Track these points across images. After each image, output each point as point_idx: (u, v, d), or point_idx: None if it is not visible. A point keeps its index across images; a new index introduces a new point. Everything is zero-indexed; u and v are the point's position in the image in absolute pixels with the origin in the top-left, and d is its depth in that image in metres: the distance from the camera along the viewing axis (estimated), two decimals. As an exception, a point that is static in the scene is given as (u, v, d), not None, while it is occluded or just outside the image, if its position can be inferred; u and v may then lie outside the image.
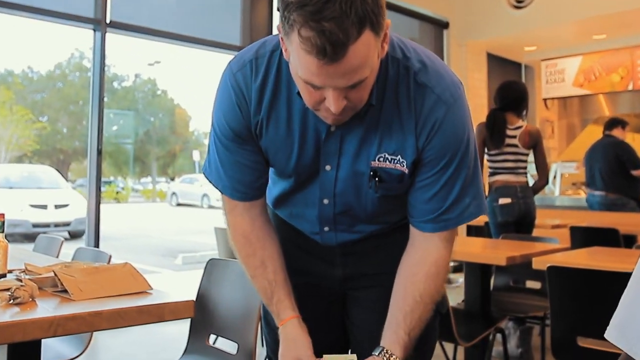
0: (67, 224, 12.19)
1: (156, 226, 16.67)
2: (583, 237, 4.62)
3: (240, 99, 1.37)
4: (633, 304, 0.85)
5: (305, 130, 1.37)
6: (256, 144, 1.42)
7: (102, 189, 5.20)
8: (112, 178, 28.56)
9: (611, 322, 0.87)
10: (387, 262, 1.53)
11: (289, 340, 1.44)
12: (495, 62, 8.99)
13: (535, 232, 4.76)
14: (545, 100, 9.79)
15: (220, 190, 1.50)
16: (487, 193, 4.73)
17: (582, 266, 2.45)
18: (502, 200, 4.56)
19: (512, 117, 4.58)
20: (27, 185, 12.94)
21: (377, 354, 1.37)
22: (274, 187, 1.57)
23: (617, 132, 6.25)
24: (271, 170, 1.53)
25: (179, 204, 23.72)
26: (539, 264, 2.67)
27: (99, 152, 4.99)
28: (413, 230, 1.45)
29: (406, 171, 1.37)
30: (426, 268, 1.41)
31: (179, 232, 14.89)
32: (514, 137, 4.55)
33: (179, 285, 7.03)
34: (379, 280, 1.56)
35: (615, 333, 0.85)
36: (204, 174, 1.54)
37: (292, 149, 1.40)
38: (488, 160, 4.68)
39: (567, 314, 2.39)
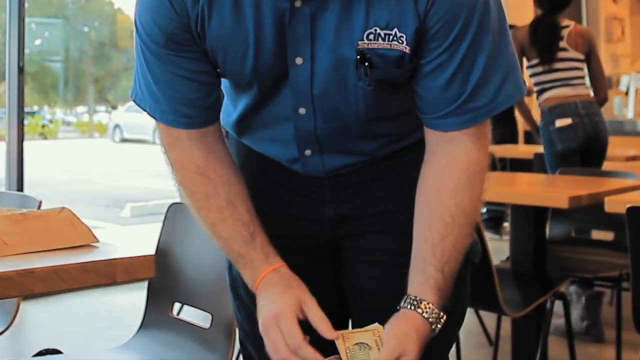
0: None
1: (96, 169, 16.68)
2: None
3: None
4: None
5: (260, 13, 1.32)
6: (199, 47, 1.38)
7: (25, 121, 5.18)
8: (36, 107, 28.42)
9: None
10: (394, 196, 1.52)
11: (285, 280, 1.41)
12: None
13: (605, 166, 4.75)
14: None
15: (157, 119, 1.44)
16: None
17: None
18: (561, 122, 4.60)
19: (560, 17, 4.72)
20: None
21: (401, 305, 1.36)
22: (233, 108, 1.54)
23: None
24: (226, 85, 1.50)
25: (124, 140, 23.71)
26: (614, 205, 2.65)
27: (21, 71, 4.94)
28: (431, 134, 1.42)
29: (407, 50, 1.32)
30: (455, 177, 1.39)
31: (125, 176, 14.92)
32: (562, 38, 4.67)
33: (129, 242, 7.04)
34: (383, 223, 1.54)
35: None
36: (133, 100, 1.48)
37: (247, 43, 1.34)
38: (531, 75, 4.77)
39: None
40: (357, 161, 1.52)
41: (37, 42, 27.85)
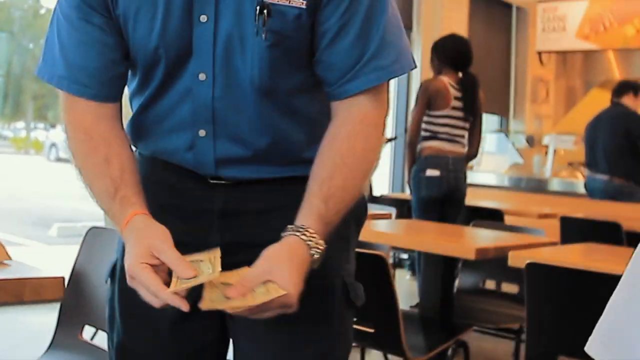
0: None
1: (27, 186, 16.35)
2: (577, 230, 4.66)
3: None
4: (625, 310, 0.86)
5: None
6: (110, 15, 1.41)
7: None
8: (-29, 120, 27.84)
9: (595, 332, 0.89)
10: (282, 230, 1.41)
11: (137, 231, 1.35)
12: (479, 1, 8.98)
13: (519, 221, 4.84)
14: (539, 53, 9.87)
15: (54, 84, 1.46)
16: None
17: (570, 265, 2.49)
18: (430, 172, 4.95)
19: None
20: None
21: (284, 234, 1.33)
22: (133, 108, 1.54)
23: (628, 100, 6.27)
24: (132, 87, 1.52)
25: (59, 159, 23.28)
26: (517, 259, 2.67)
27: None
28: (334, 106, 1.45)
29: (304, 5, 1.36)
30: (349, 127, 1.41)
31: (56, 195, 14.65)
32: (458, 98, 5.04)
33: (51, 262, 6.91)
34: None
35: (600, 347, 0.87)
36: (37, 75, 1.49)
37: (157, 4, 1.37)
38: (427, 122, 5.06)
39: (549, 326, 2.43)
40: (245, 155, 1.46)
41: (-22, 55, 27.34)
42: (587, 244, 3.42)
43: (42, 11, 30.72)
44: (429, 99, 5.00)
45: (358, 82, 1.40)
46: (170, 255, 1.27)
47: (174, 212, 1.52)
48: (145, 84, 1.49)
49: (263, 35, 1.35)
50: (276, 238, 1.36)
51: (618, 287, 0.89)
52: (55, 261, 7.07)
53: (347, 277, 1.51)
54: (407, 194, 5.68)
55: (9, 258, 1.72)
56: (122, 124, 1.52)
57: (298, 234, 1.31)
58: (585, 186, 6.58)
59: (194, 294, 1.29)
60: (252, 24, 1.35)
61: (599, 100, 9.00)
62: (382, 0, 1.40)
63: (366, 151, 1.41)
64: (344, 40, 1.39)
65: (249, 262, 1.37)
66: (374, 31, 1.39)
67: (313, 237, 1.31)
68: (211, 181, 1.50)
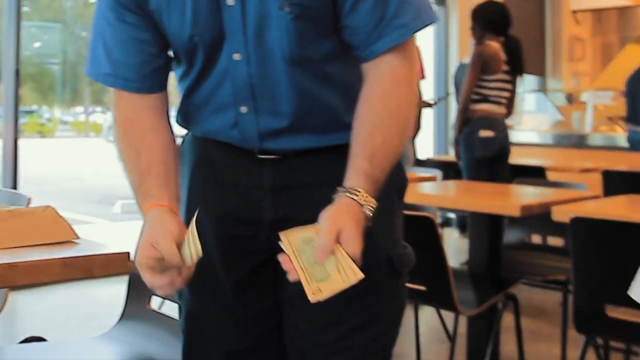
0: None
1: (90, 167, 16.54)
2: (619, 183, 4.59)
3: None
4: None
5: None
6: (143, 16, 1.45)
7: (23, 119, 5.19)
8: (35, 107, 28.17)
9: (637, 278, 0.88)
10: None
11: (147, 223, 1.40)
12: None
13: (561, 177, 4.79)
14: (574, 12, 9.69)
15: (103, 82, 1.52)
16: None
17: (613, 217, 2.46)
18: (484, 133, 5.04)
19: None
20: None
21: (336, 196, 1.34)
22: (183, 94, 1.56)
23: None
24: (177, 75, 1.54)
25: (118, 140, 23.49)
26: (561, 214, 2.65)
27: (17, 74, 4.92)
28: (364, 68, 1.45)
29: None
30: (382, 87, 1.42)
31: (117, 174, 14.74)
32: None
33: (117, 237, 7.03)
34: None
35: None
36: (87, 76, 1.54)
37: None
38: (479, 87, 5.14)
39: (594, 278, 2.42)
40: (287, 126, 1.47)
41: (37, 44, 27.60)
42: (629, 196, 3.36)
43: (92, 0, 30.88)
44: (483, 65, 5.06)
45: (382, 42, 1.41)
46: (163, 249, 1.31)
47: (229, 189, 1.55)
48: (188, 70, 1.51)
49: (286, 9, 1.36)
50: (317, 215, 1.37)
51: None
52: (120, 236, 7.22)
53: (391, 249, 1.51)
54: (451, 156, 5.65)
55: (77, 237, 1.75)
56: (166, 113, 1.56)
57: (350, 195, 1.32)
58: (628, 139, 6.46)
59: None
60: (275, 0, 1.36)
61: (634, 55, 8.85)
62: None
63: (401, 107, 1.42)
64: (365, 4, 1.39)
65: None
66: None
67: (364, 196, 1.32)
68: (260, 156, 1.51)
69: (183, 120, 1.61)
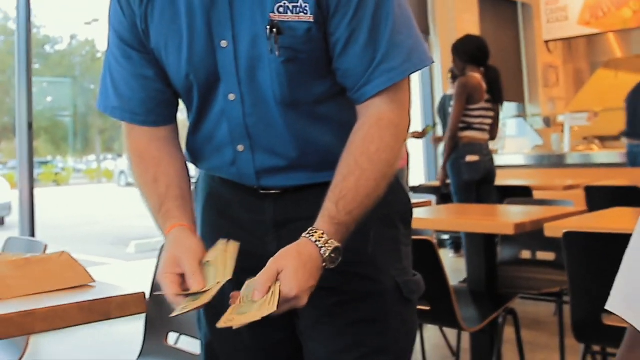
0: None
1: (103, 211, 16.56)
2: (601, 197, 4.58)
3: None
4: None
5: (191, 4, 1.34)
6: (146, 53, 1.43)
7: (39, 169, 5.18)
8: (49, 157, 28.24)
9: (614, 290, 0.82)
10: None
11: (169, 242, 1.35)
12: (487, 2, 8.92)
13: (546, 195, 4.78)
14: (547, 42, 9.79)
15: (111, 115, 1.50)
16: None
17: (603, 230, 2.42)
18: (470, 158, 5.11)
19: None
20: None
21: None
22: (188, 132, 1.53)
23: None
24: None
25: (128, 184, 23.56)
26: (552, 230, 2.62)
27: (30, 127, 4.90)
28: (357, 109, 1.38)
29: (312, 19, 1.30)
30: (364, 130, 1.34)
31: (130, 216, 14.79)
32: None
33: (133, 277, 6.97)
34: None
35: (623, 304, 0.80)
36: (97, 107, 1.53)
37: (181, 33, 1.36)
38: (465, 116, 5.20)
39: (590, 289, 2.37)
40: (282, 165, 1.42)
41: (49, 99, 27.77)
42: (613, 209, 3.34)
43: (99, 55, 31.04)
44: (468, 95, 5.10)
45: (371, 85, 1.34)
46: (186, 266, 1.28)
47: (237, 223, 1.51)
48: (189, 109, 1.48)
49: (277, 53, 1.31)
50: None
51: (630, 247, 0.82)
52: (136, 275, 7.17)
53: (399, 276, 1.45)
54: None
55: (93, 280, 1.69)
56: (177, 142, 1.54)
57: (307, 235, 1.26)
58: (628, 154, 6.38)
59: None
60: (266, 43, 1.32)
61: (604, 79, 8.92)
62: (387, 3, 1.32)
63: (380, 152, 1.32)
64: (355, 47, 1.33)
65: None
66: (382, 35, 1.32)
67: (322, 237, 1.25)
68: (261, 192, 1.46)
69: (190, 156, 1.57)
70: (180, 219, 1.40)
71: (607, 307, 0.81)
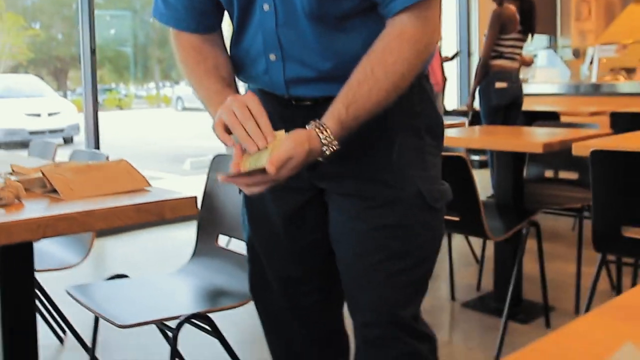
0: (61, 131, 13.46)
1: (162, 132, 16.70)
2: (625, 122, 4.50)
3: None
4: None
5: None
6: None
7: (104, 96, 5.22)
8: (113, 85, 28.43)
9: None
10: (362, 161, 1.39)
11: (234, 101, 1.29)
12: None
13: (572, 120, 4.69)
14: (582, -24, 9.42)
15: (161, 21, 1.49)
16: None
17: (627, 149, 2.36)
18: (499, 84, 5.04)
19: None
20: (14, 95, 13.89)
21: (308, 126, 1.27)
22: (230, 45, 1.50)
23: None
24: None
25: (185, 109, 23.66)
26: (580, 149, 2.55)
27: (93, 53, 4.90)
28: (386, 24, 1.32)
29: None
30: (385, 41, 1.29)
31: (186, 137, 14.91)
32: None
33: (186, 188, 7.05)
34: (351, 170, 1.40)
35: None
36: (154, 16, 1.52)
37: None
38: (497, 45, 5.10)
39: (612, 203, 2.33)
40: (311, 76, 1.38)
41: (112, 32, 27.81)
42: (637, 132, 3.25)
43: (158, -10, 30.88)
44: (501, 25, 4.99)
45: (399, 1, 1.27)
46: (258, 109, 1.25)
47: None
48: (232, 20, 1.45)
49: None
50: (354, 151, 1.35)
51: None
52: (191, 188, 7.24)
53: (423, 185, 1.40)
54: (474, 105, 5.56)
55: (149, 185, 1.69)
56: (223, 47, 1.51)
57: (318, 131, 1.24)
58: None
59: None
60: None
61: (635, 14, 8.57)
62: None
63: (397, 64, 1.26)
64: None
65: (334, 175, 1.41)
66: None
67: (329, 136, 1.24)
68: (293, 102, 1.42)
69: (235, 71, 1.53)
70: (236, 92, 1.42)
71: None
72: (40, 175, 1.69)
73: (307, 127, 1.26)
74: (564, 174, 3.82)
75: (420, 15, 1.28)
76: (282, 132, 1.24)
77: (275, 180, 1.22)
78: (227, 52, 1.50)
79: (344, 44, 1.35)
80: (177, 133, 16.22)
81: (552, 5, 9.33)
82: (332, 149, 1.25)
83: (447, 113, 5.88)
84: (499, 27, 4.97)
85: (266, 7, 1.34)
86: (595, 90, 7.30)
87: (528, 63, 5.94)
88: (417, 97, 1.41)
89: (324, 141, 1.24)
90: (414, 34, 1.28)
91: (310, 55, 1.35)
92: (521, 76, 5.34)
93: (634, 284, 3.09)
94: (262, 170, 1.19)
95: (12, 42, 22.15)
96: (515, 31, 5.02)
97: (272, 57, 1.38)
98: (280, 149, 1.19)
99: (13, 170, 1.91)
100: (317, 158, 1.25)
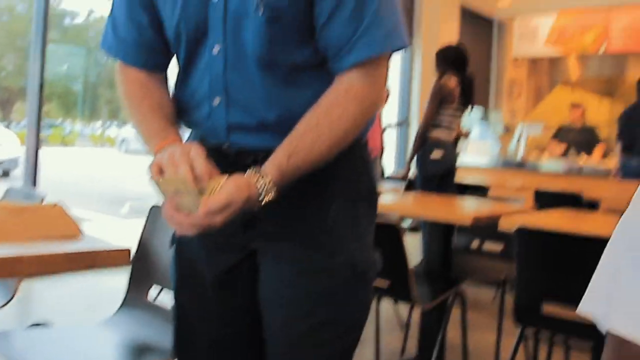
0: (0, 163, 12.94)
1: (103, 172, 16.39)
2: (547, 199, 4.61)
3: None
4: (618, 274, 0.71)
5: None
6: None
7: (49, 131, 5.09)
8: (60, 120, 27.92)
9: (592, 292, 0.72)
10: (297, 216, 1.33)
11: (171, 148, 1.24)
12: (468, 16, 8.93)
13: (500, 193, 4.78)
14: (515, 59, 9.80)
15: (109, 53, 1.44)
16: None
17: (550, 228, 2.40)
18: (435, 154, 5.04)
19: None
20: None
21: (249, 171, 1.22)
22: (174, 86, 1.45)
23: None
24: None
25: (128, 151, 23.35)
26: (507, 223, 2.60)
27: (41, 87, 4.79)
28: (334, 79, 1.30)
29: None
30: (332, 96, 1.27)
31: (127, 179, 14.66)
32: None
33: (124, 234, 6.89)
34: (287, 231, 1.34)
35: (602, 308, 0.71)
36: (102, 48, 1.46)
37: None
38: (438, 115, 5.12)
39: (534, 279, 2.37)
40: (253, 124, 1.32)
41: (64, 67, 27.44)
42: (560, 210, 3.35)
43: (113, 33, 30.73)
44: (442, 98, 5.03)
45: (351, 56, 1.25)
46: (197, 159, 1.19)
47: None
48: (178, 61, 1.41)
49: (261, 10, 1.24)
50: (286, 218, 1.31)
51: (604, 256, 0.73)
52: (127, 233, 7.08)
53: (356, 252, 1.36)
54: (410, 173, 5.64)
55: (81, 232, 1.64)
56: (168, 88, 1.46)
57: (256, 177, 1.19)
58: (621, 168, 6.18)
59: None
60: (252, 1, 1.24)
61: (561, 96, 8.92)
62: None
63: (342, 119, 1.24)
64: (340, 17, 1.24)
65: (268, 235, 1.35)
66: (368, 8, 1.24)
67: (267, 183, 1.19)
68: (234, 158, 1.36)
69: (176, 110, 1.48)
70: (177, 136, 1.34)
71: (581, 309, 0.72)
72: (-30, 214, 1.61)
73: (247, 172, 1.21)
74: (489, 245, 3.87)
75: (369, 74, 1.27)
76: (222, 177, 1.19)
77: (208, 225, 1.16)
78: (170, 94, 1.45)
79: (290, 96, 1.32)
80: (118, 174, 15.95)
81: (486, 82, 9.65)
82: (269, 198, 1.20)
83: (384, 178, 5.92)
84: (439, 99, 5.02)
85: (216, 50, 1.31)
86: (521, 166, 7.50)
87: (465, 135, 6.05)
88: (354, 164, 1.39)
89: (260, 189, 1.19)
90: (362, 91, 1.27)
91: (255, 102, 1.32)
92: (457, 148, 5.40)
93: (548, 357, 3.11)
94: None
95: (-40, 71, 21.65)
96: (454, 103, 5.08)
97: (216, 100, 1.33)
98: (221, 193, 1.15)
99: (-58, 207, 1.82)
100: (253, 207, 1.20)
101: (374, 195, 1.45)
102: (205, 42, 1.32)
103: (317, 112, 1.26)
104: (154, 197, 1.32)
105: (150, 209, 2.24)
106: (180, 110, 1.43)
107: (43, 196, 2.41)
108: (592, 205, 4.81)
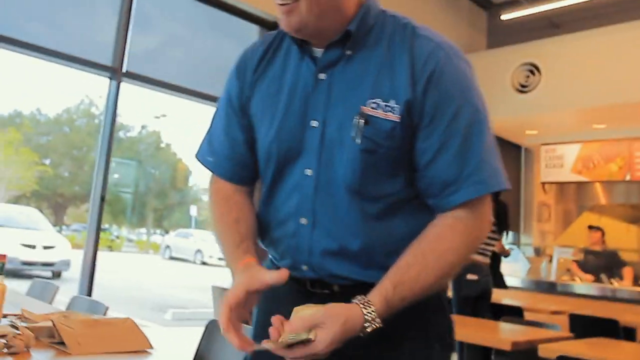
0: (52, 264, 13.01)
1: (147, 278, 16.42)
2: (583, 324, 4.50)
3: (241, 63, 1.43)
4: None
5: (296, 84, 1.33)
6: (243, 116, 1.42)
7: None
8: (107, 225, 28.37)
9: None
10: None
11: (247, 270, 1.27)
12: (497, 142, 9.03)
13: (534, 316, 4.69)
14: (543, 184, 9.84)
15: (204, 164, 1.49)
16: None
17: (590, 358, 2.36)
18: (470, 276, 5.03)
19: None
20: (13, 225, 13.71)
21: (352, 300, 1.18)
22: (262, 203, 1.45)
23: None
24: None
25: (171, 258, 23.47)
26: (546, 351, 2.56)
27: (102, 199, 4.92)
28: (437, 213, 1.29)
29: (398, 119, 1.24)
30: (439, 229, 1.26)
31: (170, 286, 14.65)
32: None
33: (169, 342, 6.84)
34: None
35: None
36: (196, 158, 1.51)
37: (278, 106, 1.35)
38: None
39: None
40: (336, 249, 1.30)
41: (116, 176, 28.19)
42: (598, 339, 3.26)
43: (162, 145, 31.69)
44: None
45: (459, 194, 1.25)
46: (263, 277, 1.23)
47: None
48: (264, 179, 1.42)
49: (358, 140, 1.26)
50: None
51: None
52: (172, 341, 7.02)
53: None
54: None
55: (151, 347, 1.67)
56: (251, 200, 1.48)
57: (361, 306, 1.17)
58: None
59: None
60: (351, 129, 1.27)
61: (589, 221, 8.86)
62: (481, 121, 1.28)
63: (448, 253, 1.23)
64: (445, 156, 1.25)
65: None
66: (474, 148, 1.25)
67: (372, 313, 1.16)
68: (310, 289, 1.35)
69: (259, 227, 1.48)
70: (254, 255, 1.35)
71: None
72: (50, 324, 1.66)
73: (351, 301, 1.18)
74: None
75: (475, 210, 1.28)
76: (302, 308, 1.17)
77: (317, 354, 1.13)
78: (252, 207, 1.46)
79: (376, 227, 1.30)
80: (161, 281, 15.96)
81: (516, 207, 9.66)
82: (374, 326, 1.16)
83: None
84: None
85: (309, 171, 1.32)
86: (553, 288, 7.37)
87: (506, 254, 6.02)
88: (432, 306, 1.35)
89: (367, 317, 1.16)
90: (468, 226, 1.27)
91: (340, 228, 1.30)
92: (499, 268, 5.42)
93: None
94: (302, 342, 1.12)
95: (22, 175, 22.31)
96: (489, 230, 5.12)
97: (304, 220, 1.33)
98: (328, 332, 1.12)
99: (23, 315, 1.88)
100: (357, 334, 1.16)
101: (449, 333, 1.40)
102: (294, 164, 1.34)
103: (422, 245, 1.25)
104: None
105: (209, 323, 2.24)
106: (264, 226, 1.43)
107: (107, 307, 2.45)
108: (628, 331, 4.68)
